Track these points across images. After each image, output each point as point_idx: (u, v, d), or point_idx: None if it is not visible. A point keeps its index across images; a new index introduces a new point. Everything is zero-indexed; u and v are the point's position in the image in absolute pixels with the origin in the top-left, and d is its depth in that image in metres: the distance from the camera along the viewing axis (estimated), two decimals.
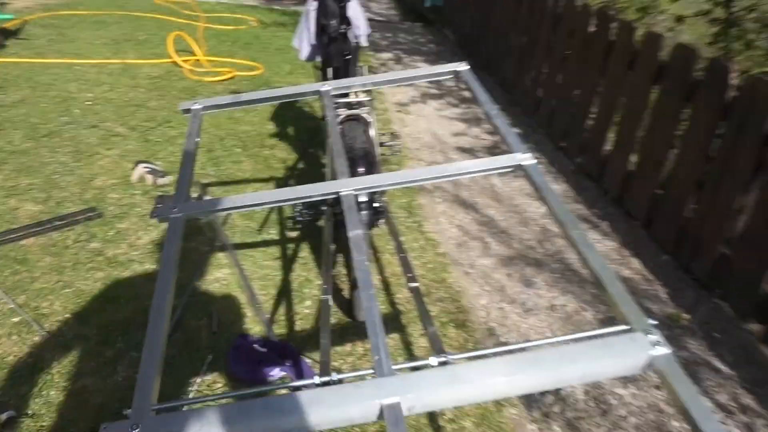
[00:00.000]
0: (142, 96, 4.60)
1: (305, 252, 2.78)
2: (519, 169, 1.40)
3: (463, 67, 1.79)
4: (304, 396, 0.87)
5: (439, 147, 4.26)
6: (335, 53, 2.70)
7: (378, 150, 2.33)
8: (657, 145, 3.16)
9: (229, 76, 5.20)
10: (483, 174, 1.42)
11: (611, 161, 3.59)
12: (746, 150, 2.55)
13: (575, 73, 4.08)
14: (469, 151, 4.21)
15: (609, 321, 2.50)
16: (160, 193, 3.10)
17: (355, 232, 1.20)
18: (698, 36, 4.47)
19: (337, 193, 1.33)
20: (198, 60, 5.52)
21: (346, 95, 2.22)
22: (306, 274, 2.62)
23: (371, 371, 0.93)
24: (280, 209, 3.10)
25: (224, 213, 1.56)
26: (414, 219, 3.17)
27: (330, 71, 2.58)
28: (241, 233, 2.88)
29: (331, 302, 1.81)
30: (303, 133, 4.18)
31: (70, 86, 4.63)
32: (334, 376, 1.07)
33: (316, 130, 4.19)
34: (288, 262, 2.69)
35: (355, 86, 1.92)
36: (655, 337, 0.93)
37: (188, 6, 7.85)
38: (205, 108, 1.78)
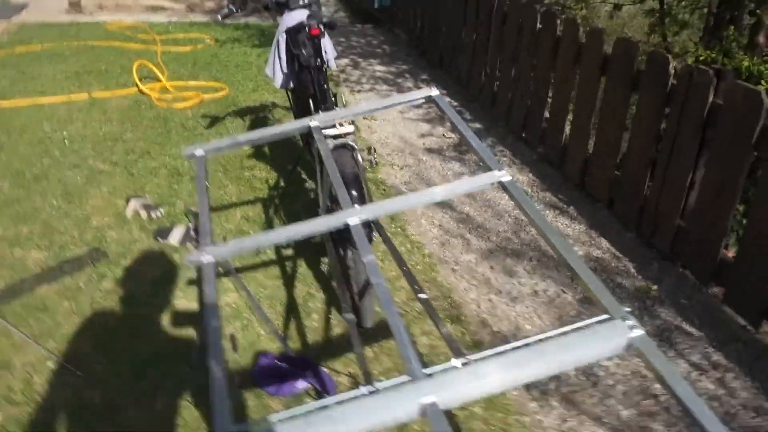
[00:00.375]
0: (116, 129, 4.71)
1: (303, 267, 2.98)
2: (499, 186, 1.64)
3: (435, 92, 2.01)
4: (357, 404, 1.09)
5: (408, 150, 4.49)
6: (311, 83, 2.89)
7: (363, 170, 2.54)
8: (611, 130, 3.44)
9: (197, 100, 5.33)
10: (468, 192, 1.66)
11: (570, 148, 3.86)
12: (689, 132, 2.84)
13: (528, 67, 4.34)
14: (437, 151, 4.45)
15: (587, 300, 2.76)
16: (156, 227, 3.27)
17: (368, 258, 1.41)
18: (635, 14, 4.77)
19: (345, 224, 1.55)
20: (163, 86, 5.63)
21: (332, 126, 2.42)
22: (307, 289, 2.83)
23: (407, 378, 1.15)
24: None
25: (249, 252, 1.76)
26: (397, 224, 3.40)
27: (311, 103, 2.77)
28: (240, 257, 3.06)
29: (354, 319, 2.02)
30: (277, 150, 4.35)
31: (44, 126, 4.72)
32: (377, 385, 1.29)
33: (288, 146, 4.36)
34: (288, 279, 2.90)
35: (338, 117, 2.13)
36: (632, 322, 1.17)
37: (142, 29, 7.90)
38: (207, 152, 1.97)
